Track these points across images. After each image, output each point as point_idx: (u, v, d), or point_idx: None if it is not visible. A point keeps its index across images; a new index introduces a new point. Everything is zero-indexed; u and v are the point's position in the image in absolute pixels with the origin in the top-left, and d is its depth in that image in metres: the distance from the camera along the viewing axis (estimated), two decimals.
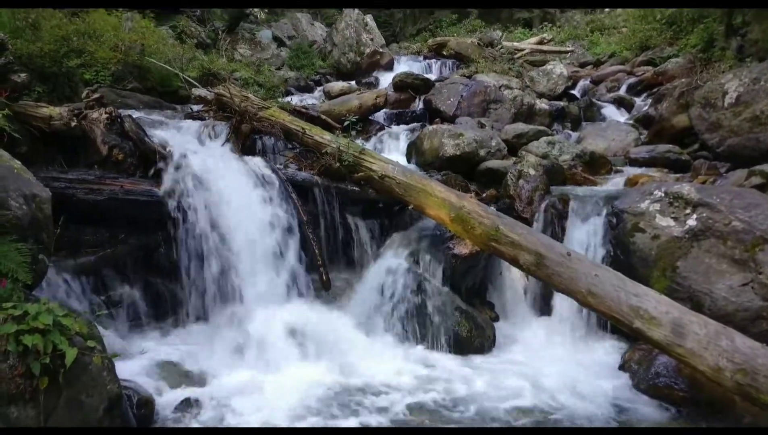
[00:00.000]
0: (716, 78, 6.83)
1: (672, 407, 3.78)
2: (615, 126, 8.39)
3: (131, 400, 3.28)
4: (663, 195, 4.73)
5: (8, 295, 2.62)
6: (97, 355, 2.79)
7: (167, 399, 3.70)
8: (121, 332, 4.18)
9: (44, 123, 4.36)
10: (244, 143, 5.68)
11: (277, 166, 5.28)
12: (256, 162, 5.13)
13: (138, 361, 3.95)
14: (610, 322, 4.49)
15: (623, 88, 10.34)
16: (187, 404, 3.66)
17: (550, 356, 4.54)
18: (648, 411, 3.78)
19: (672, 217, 4.62)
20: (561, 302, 4.94)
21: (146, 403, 3.43)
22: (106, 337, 3.38)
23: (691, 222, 4.51)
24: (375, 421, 3.58)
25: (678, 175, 6.27)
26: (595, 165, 6.80)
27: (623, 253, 4.81)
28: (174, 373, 3.98)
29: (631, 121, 8.71)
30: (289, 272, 4.81)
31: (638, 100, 9.68)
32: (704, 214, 4.48)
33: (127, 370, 3.64)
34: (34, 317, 2.54)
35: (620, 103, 9.73)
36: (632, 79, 10.45)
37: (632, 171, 6.63)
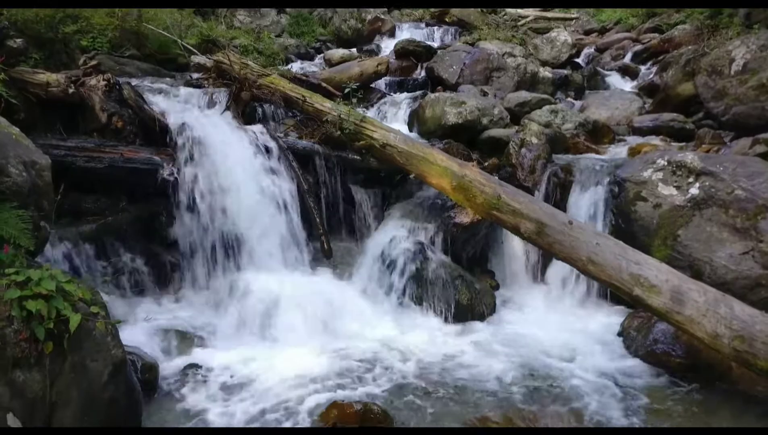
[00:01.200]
0: (723, 45, 6.74)
1: (669, 373, 3.81)
2: (619, 94, 8.31)
3: (135, 365, 3.33)
4: (666, 164, 4.71)
5: (10, 261, 2.63)
6: (100, 320, 2.81)
7: (171, 365, 3.75)
8: (123, 299, 4.20)
9: (41, 89, 4.31)
10: (244, 111, 5.64)
11: (278, 134, 5.24)
12: (256, 130, 5.10)
13: (141, 327, 3.98)
14: (609, 290, 4.52)
15: (628, 56, 10.19)
16: (190, 370, 3.71)
17: (550, 323, 4.58)
18: (645, 377, 3.82)
19: (674, 186, 4.60)
20: (561, 271, 4.96)
21: (150, 369, 3.47)
22: (109, 304, 3.40)
23: (694, 191, 4.49)
24: (378, 389, 3.61)
25: (682, 144, 6.22)
26: (598, 134, 6.75)
27: (624, 221, 4.81)
28: (177, 340, 4.02)
29: (635, 90, 8.63)
30: (291, 240, 4.81)
31: (643, 69, 9.56)
32: (707, 183, 4.47)
33: (131, 336, 3.68)
34: (37, 283, 2.55)
35: (625, 71, 9.61)
36: (638, 47, 10.29)
37: (635, 140, 6.58)
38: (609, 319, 4.66)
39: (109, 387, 2.82)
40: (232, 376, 3.69)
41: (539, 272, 5.24)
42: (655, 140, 6.48)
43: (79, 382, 2.70)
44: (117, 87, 4.64)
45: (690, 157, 4.64)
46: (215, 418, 3.27)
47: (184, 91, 5.78)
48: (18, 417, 2.47)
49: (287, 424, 3.23)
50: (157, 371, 3.53)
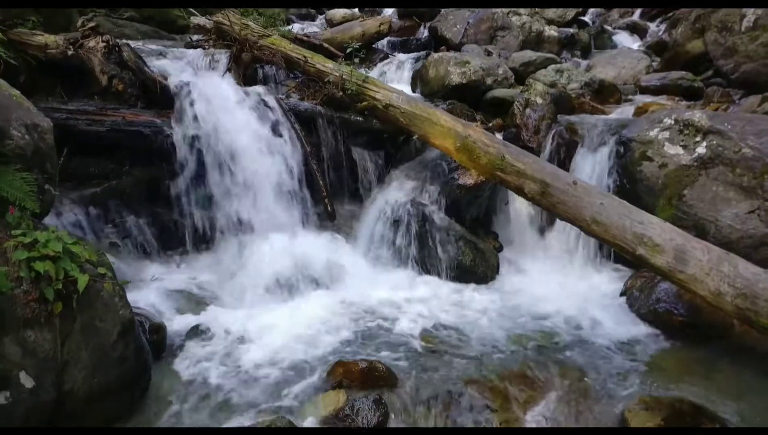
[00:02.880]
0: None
1: (671, 332, 3.85)
2: (626, 53, 8.18)
3: (143, 326, 3.37)
4: (673, 122, 4.66)
5: (17, 223, 2.64)
6: (108, 281, 2.84)
7: (178, 325, 3.78)
8: (129, 262, 4.23)
9: (40, 51, 4.26)
10: (245, 73, 5.57)
11: (279, 95, 5.19)
12: (258, 91, 5.04)
13: (148, 289, 4.02)
14: (613, 251, 4.53)
15: (637, 13, 10.01)
16: (197, 330, 3.75)
17: (553, 283, 4.60)
18: (647, 335, 3.86)
19: (681, 145, 4.57)
20: (564, 231, 4.97)
21: (158, 329, 3.52)
22: (115, 266, 3.43)
23: (701, 150, 4.46)
24: (383, 348, 3.66)
25: (690, 103, 6.15)
26: (605, 93, 6.68)
27: (630, 182, 4.79)
28: (183, 301, 4.06)
29: (643, 48, 8.49)
30: (293, 203, 4.81)
31: (652, 26, 9.40)
32: (714, 142, 4.42)
33: (138, 297, 3.72)
34: (44, 244, 2.56)
35: (633, 29, 9.45)
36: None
37: (642, 99, 6.51)
38: (612, 279, 4.69)
39: (119, 346, 2.86)
40: (238, 336, 3.73)
41: (543, 233, 5.24)
42: (662, 99, 6.41)
43: (89, 342, 2.74)
44: (116, 49, 4.57)
45: (698, 116, 4.59)
46: (222, 377, 3.32)
47: (184, 53, 5.71)
48: (30, 375, 2.53)
49: (294, 383, 3.27)
50: (164, 332, 3.57)
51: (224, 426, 2.92)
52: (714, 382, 3.31)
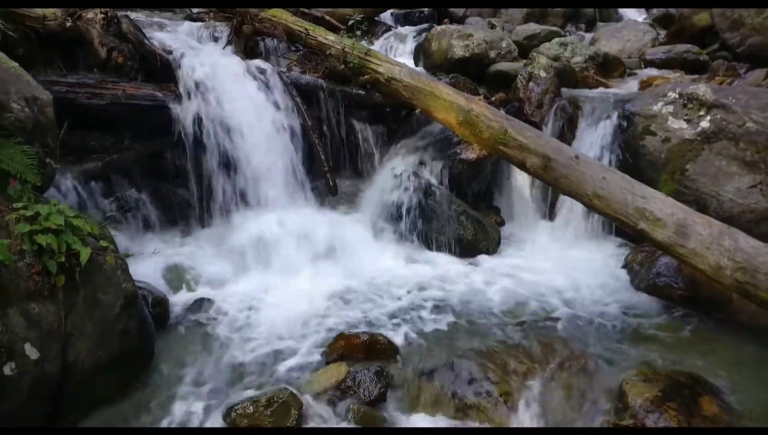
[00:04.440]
0: None
1: (671, 305, 3.88)
2: (631, 26, 8.07)
3: (146, 299, 3.40)
4: (677, 96, 4.62)
5: (18, 196, 2.65)
6: (110, 254, 2.86)
7: (181, 299, 3.82)
8: (131, 235, 4.25)
9: (38, 23, 4.21)
10: (246, 45, 5.53)
11: (281, 69, 5.15)
12: (259, 64, 5.00)
13: (150, 263, 4.03)
14: (615, 225, 4.53)
15: None
16: (200, 304, 3.78)
17: (554, 258, 4.62)
18: (647, 309, 3.88)
19: (685, 120, 4.53)
20: (566, 206, 4.97)
21: (161, 302, 3.55)
22: (117, 240, 3.45)
23: (704, 124, 4.43)
24: (384, 320, 3.69)
25: (695, 77, 6.08)
26: (609, 67, 6.62)
27: (632, 156, 4.77)
28: (186, 275, 4.08)
29: (649, 21, 8.38)
30: (296, 177, 4.81)
31: None
32: (718, 116, 4.39)
33: (140, 271, 3.71)
34: (45, 218, 2.57)
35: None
36: None
37: (647, 73, 6.47)
38: (613, 253, 4.69)
39: (122, 319, 2.89)
40: (240, 309, 3.76)
41: (545, 208, 5.24)
42: (667, 73, 6.35)
43: (93, 315, 2.77)
44: (115, 21, 4.52)
45: (702, 90, 4.54)
46: (225, 349, 3.36)
47: (184, 25, 5.65)
48: (35, 347, 2.56)
49: (297, 355, 3.31)
50: (167, 305, 3.60)
51: (226, 396, 2.96)
52: (712, 355, 3.33)
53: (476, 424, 2.88)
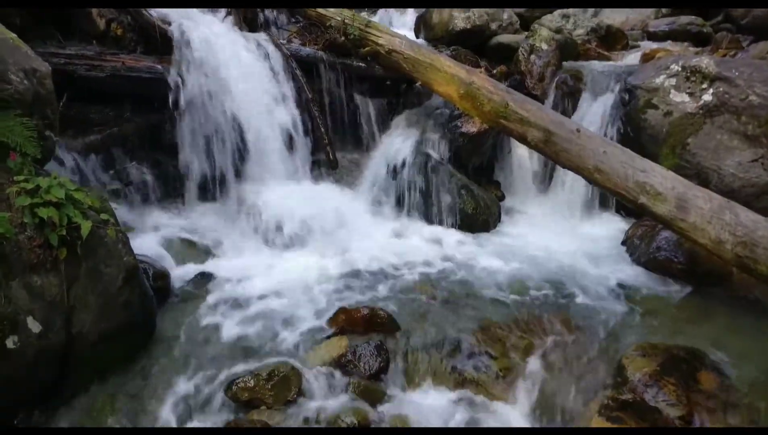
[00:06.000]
0: None
1: (670, 279, 3.90)
2: None
3: (147, 272, 3.40)
4: (680, 69, 4.58)
5: (19, 169, 2.64)
6: (111, 227, 2.86)
7: (181, 273, 3.82)
8: (131, 209, 4.24)
9: None
10: (246, 17, 5.44)
11: (281, 41, 5.08)
12: (259, 37, 4.94)
13: (150, 236, 4.04)
14: (615, 200, 4.53)
15: None
16: (201, 277, 3.80)
17: (555, 232, 4.63)
18: (647, 283, 3.91)
19: (687, 93, 4.50)
20: (567, 180, 4.96)
21: (162, 276, 3.56)
22: (118, 214, 3.44)
23: (707, 97, 4.40)
24: (385, 295, 3.70)
25: (698, 49, 6.02)
26: (611, 39, 6.55)
27: (634, 130, 4.75)
28: (186, 249, 4.09)
29: None
30: (295, 151, 4.79)
31: None
32: (721, 89, 4.36)
33: (141, 245, 3.73)
34: (46, 190, 2.56)
35: None
36: None
37: (650, 45, 6.39)
38: (614, 228, 4.72)
39: (124, 292, 2.90)
40: (240, 283, 3.77)
41: (545, 182, 5.24)
42: (670, 45, 6.28)
43: (95, 287, 2.77)
44: None
45: (705, 62, 4.50)
46: (225, 322, 3.37)
47: None
48: (38, 319, 2.57)
49: (297, 329, 3.32)
50: (168, 279, 3.61)
51: (227, 369, 2.98)
52: (711, 329, 3.36)
53: (477, 398, 2.90)
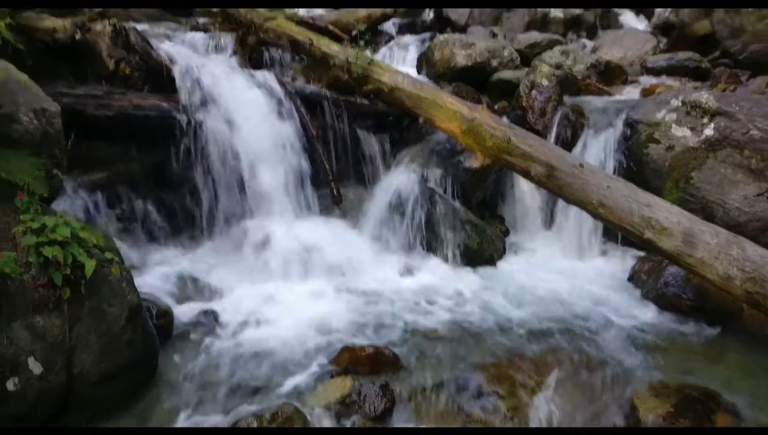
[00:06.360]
0: None
1: (679, 316, 3.84)
2: (632, 34, 8.10)
3: (150, 311, 3.38)
4: (680, 104, 4.62)
5: (25, 208, 2.65)
6: (115, 266, 2.85)
7: (185, 310, 3.79)
8: (136, 247, 4.24)
9: (48, 35, 4.24)
10: (251, 56, 5.55)
11: (285, 79, 5.16)
12: (264, 75, 5.01)
13: (154, 274, 4.03)
14: (620, 235, 4.51)
15: None
16: (204, 316, 3.76)
17: (560, 267, 4.60)
18: (655, 319, 3.85)
19: (688, 127, 4.53)
20: (571, 215, 4.94)
21: (165, 314, 3.53)
22: (123, 251, 3.45)
23: (708, 131, 4.42)
24: (390, 333, 3.66)
25: (697, 84, 6.08)
26: (611, 75, 6.62)
27: (636, 164, 4.76)
28: (190, 286, 4.07)
29: (650, 29, 8.39)
30: (300, 187, 4.80)
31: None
32: (722, 124, 4.38)
33: (145, 282, 3.73)
34: (52, 229, 2.57)
35: (639, 9, 9.31)
36: None
37: (649, 80, 6.46)
38: (619, 263, 4.67)
39: (127, 331, 2.88)
40: (244, 321, 3.74)
41: (549, 217, 5.22)
42: (669, 80, 6.35)
43: (98, 327, 2.76)
44: (123, 33, 4.54)
45: (705, 97, 4.54)
46: (228, 361, 3.32)
47: (190, 36, 5.67)
48: (39, 360, 2.54)
49: (301, 368, 3.27)
50: (171, 316, 3.58)
51: (230, 410, 2.93)
52: (723, 368, 3.30)
53: None
